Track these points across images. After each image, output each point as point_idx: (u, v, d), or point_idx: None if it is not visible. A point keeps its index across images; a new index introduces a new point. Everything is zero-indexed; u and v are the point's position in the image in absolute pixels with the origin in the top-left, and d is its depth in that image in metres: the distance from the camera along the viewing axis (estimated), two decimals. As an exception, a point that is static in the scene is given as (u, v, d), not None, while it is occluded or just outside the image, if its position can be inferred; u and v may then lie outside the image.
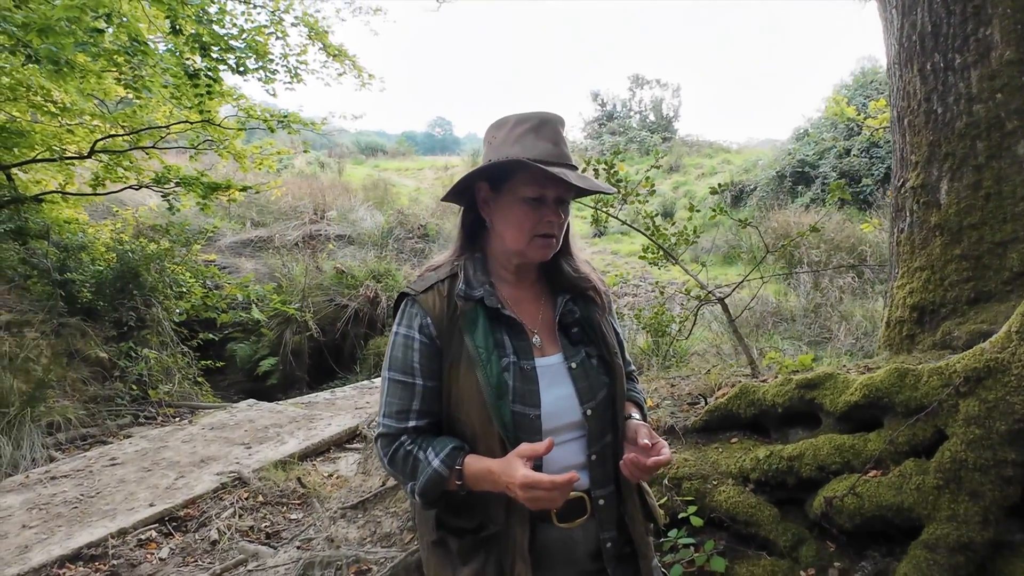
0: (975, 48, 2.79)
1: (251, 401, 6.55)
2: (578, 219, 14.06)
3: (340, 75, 7.72)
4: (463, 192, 1.40)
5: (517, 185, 1.31)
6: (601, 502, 1.35)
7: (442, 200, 1.49)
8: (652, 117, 25.56)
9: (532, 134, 1.31)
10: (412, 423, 1.31)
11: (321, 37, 6.96)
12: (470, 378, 1.27)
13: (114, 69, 5.40)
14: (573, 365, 1.35)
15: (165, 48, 5.99)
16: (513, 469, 1.16)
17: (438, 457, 1.25)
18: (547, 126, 1.32)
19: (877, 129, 9.04)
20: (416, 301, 1.34)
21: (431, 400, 1.32)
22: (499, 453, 1.24)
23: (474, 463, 1.24)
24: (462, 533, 1.31)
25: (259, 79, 6.42)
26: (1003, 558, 1.92)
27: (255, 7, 6.39)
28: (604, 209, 4.32)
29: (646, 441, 1.29)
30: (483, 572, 1.28)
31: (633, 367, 1.61)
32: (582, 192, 1.46)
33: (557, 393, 1.32)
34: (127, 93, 6.00)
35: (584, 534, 1.35)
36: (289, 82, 6.72)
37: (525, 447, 1.18)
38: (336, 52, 7.13)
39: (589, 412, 1.33)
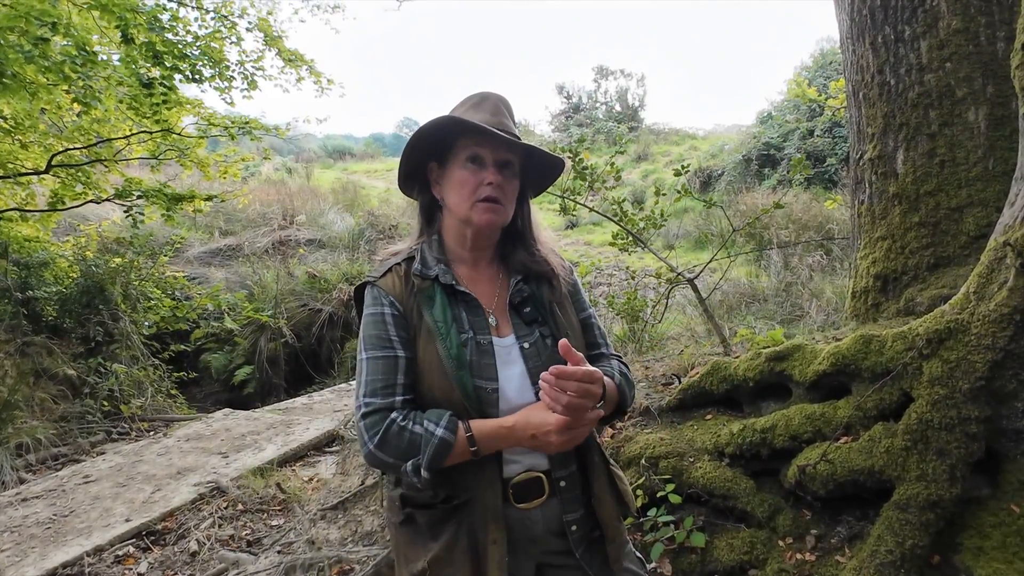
0: (923, 19, 2.85)
1: (227, 410, 6.46)
2: (550, 211, 14.07)
3: (299, 81, 7.61)
4: (415, 176, 1.44)
5: (457, 151, 1.34)
6: (562, 483, 1.35)
7: (399, 188, 1.49)
8: (618, 107, 25.68)
9: (472, 109, 1.36)
10: (400, 397, 1.27)
11: (276, 43, 6.85)
12: (430, 351, 1.28)
13: (65, 83, 5.27)
14: (525, 345, 1.36)
15: (119, 59, 5.85)
16: (542, 416, 1.20)
17: (439, 426, 1.22)
18: (487, 101, 1.38)
19: (839, 109, 9.18)
20: (376, 285, 1.35)
21: (412, 373, 1.30)
22: None
23: (481, 425, 1.24)
24: (430, 506, 1.30)
25: (215, 87, 6.30)
26: (971, 513, 1.96)
27: (207, 12, 6.27)
28: (571, 198, 4.33)
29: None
30: (454, 544, 1.26)
31: (610, 349, 1.55)
32: (542, 169, 1.47)
33: (510, 372, 1.32)
34: (81, 106, 5.86)
35: (544, 514, 1.34)
36: (245, 89, 6.60)
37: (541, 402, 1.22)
38: (291, 57, 7.03)
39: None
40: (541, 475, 1.33)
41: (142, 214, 6.74)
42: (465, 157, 1.33)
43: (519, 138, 1.36)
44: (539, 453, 1.33)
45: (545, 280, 1.44)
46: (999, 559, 1.84)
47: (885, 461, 2.04)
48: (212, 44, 6.07)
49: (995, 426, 1.96)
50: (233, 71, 6.48)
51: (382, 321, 1.31)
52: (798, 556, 2.17)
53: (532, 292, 1.42)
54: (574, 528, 1.36)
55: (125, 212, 6.62)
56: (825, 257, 8.24)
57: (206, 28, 6.21)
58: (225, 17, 6.36)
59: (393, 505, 1.36)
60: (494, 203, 1.33)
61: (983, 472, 1.99)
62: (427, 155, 1.40)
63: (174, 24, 5.84)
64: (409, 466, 1.22)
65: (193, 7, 6.36)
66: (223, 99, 6.67)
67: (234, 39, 6.47)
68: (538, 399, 1.30)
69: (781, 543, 2.24)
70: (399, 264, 1.38)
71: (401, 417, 1.24)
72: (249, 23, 6.68)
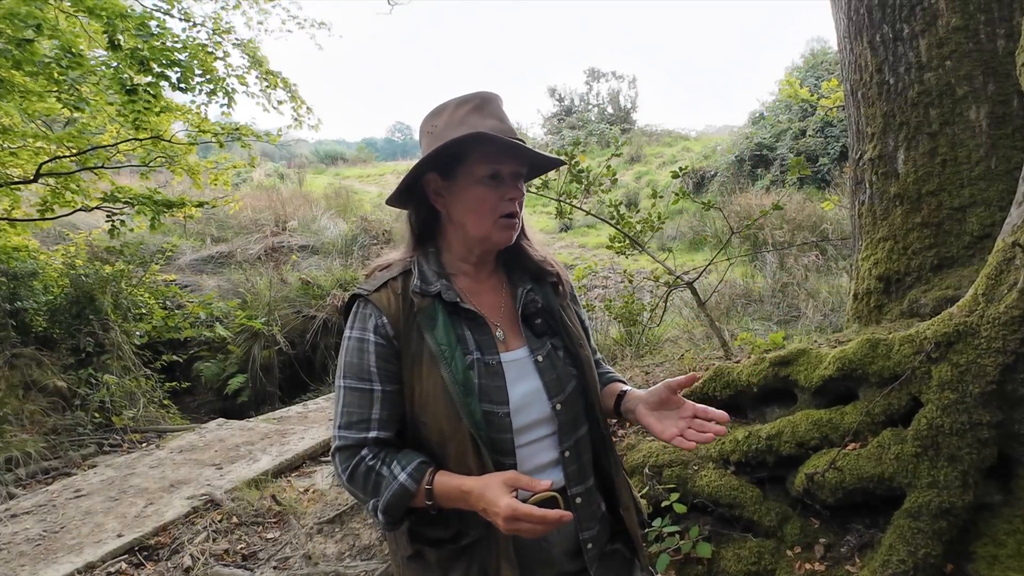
0: (922, 17, 2.82)
1: (221, 420, 6.37)
2: (543, 214, 14.03)
3: (280, 103, 7.59)
4: (411, 189, 1.33)
5: (472, 166, 1.24)
6: (579, 500, 1.29)
7: (387, 203, 1.39)
8: (610, 109, 25.69)
9: (476, 114, 1.25)
10: (373, 433, 1.21)
11: (256, 57, 6.82)
12: (433, 377, 1.20)
13: (55, 88, 5.19)
14: (539, 358, 1.29)
15: (105, 63, 5.78)
16: (496, 496, 1.08)
17: (404, 471, 1.16)
18: (490, 104, 1.27)
19: (831, 108, 9.18)
20: (369, 301, 1.25)
21: (392, 406, 1.23)
22: (471, 454, 1.18)
23: (446, 480, 1.16)
24: (440, 543, 1.23)
25: (204, 92, 6.23)
26: (984, 520, 1.92)
27: (195, 24, 6.22)
28: (568, 201, 4.28)
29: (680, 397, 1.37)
30: None
31: (600, 355, 1.56)
32: (535, 168, 1.42)
33: (524, 388, 1.26)
34: (70, 112, 5.78)
35: (561, 534, 1.28)
36: (225, 104, 6.55)
37: (512, 476, 1.11)
38: (269, 72, 7.00)
39: (558, 406, 1.27)
40: (556, 494, 1.24)
41: (123, 222, 6.63)
42: (484, 174, 1.24)
43: (524, 142, 1.27)
44: (556, 468, 1.28)
45: (550, 283, 1.40)
46: (1014, 567, 1.80)
47: (895, 468, 2.00)
48: (197, 57, 6.01)
49: (1007, 431, 1.92)
50: (217, 83, 6.43)
51: (363, 349, 1.23)
52: (807, 566, 2.12)
53: (543, 301, 1.36)
54: (590, 546, 1.30)
55: (107, 218, 6.49)
56: (820, 257, 8.23)
57: (192, 39, 6.15)
58: (214, 32, 6.32)
59: (400, 539, 1.28)
60: (513, 218, 1.28)
61: (995, 478, 1.96)
62: (428, 164, 1.29)
63: (162, 31, 5.77)
64: (371, 506, 1.20)
65: (180, 19, 6.30)
66: (193, 107, 6.59)
67: (221, 53, 6.43)
68: (554, 412, 1.27)
69: (789, 552, 2.20)
70: (394, 279, 1.28)
71: (371, 456, 1.20)
72: (236, 39, 6.65)
